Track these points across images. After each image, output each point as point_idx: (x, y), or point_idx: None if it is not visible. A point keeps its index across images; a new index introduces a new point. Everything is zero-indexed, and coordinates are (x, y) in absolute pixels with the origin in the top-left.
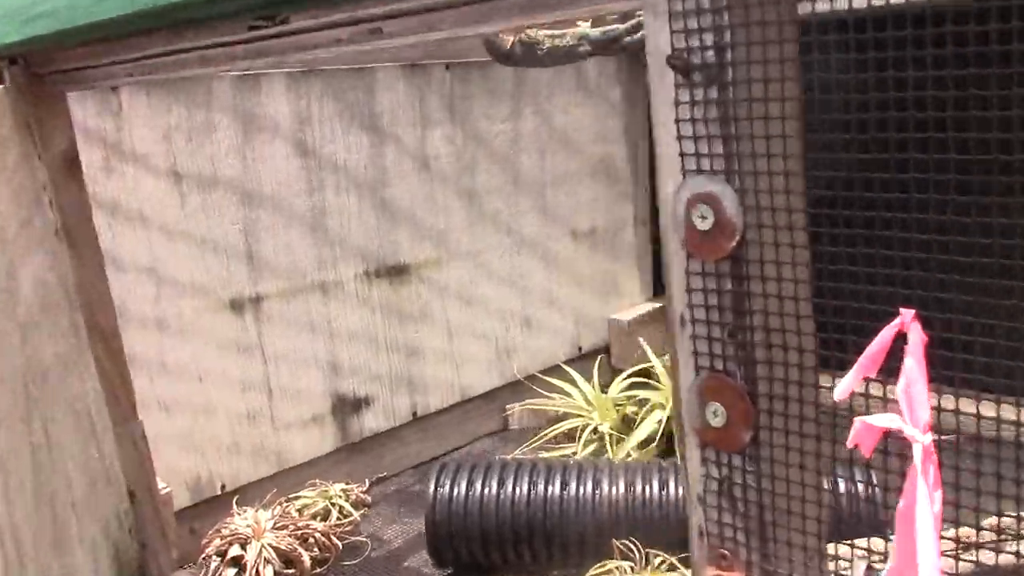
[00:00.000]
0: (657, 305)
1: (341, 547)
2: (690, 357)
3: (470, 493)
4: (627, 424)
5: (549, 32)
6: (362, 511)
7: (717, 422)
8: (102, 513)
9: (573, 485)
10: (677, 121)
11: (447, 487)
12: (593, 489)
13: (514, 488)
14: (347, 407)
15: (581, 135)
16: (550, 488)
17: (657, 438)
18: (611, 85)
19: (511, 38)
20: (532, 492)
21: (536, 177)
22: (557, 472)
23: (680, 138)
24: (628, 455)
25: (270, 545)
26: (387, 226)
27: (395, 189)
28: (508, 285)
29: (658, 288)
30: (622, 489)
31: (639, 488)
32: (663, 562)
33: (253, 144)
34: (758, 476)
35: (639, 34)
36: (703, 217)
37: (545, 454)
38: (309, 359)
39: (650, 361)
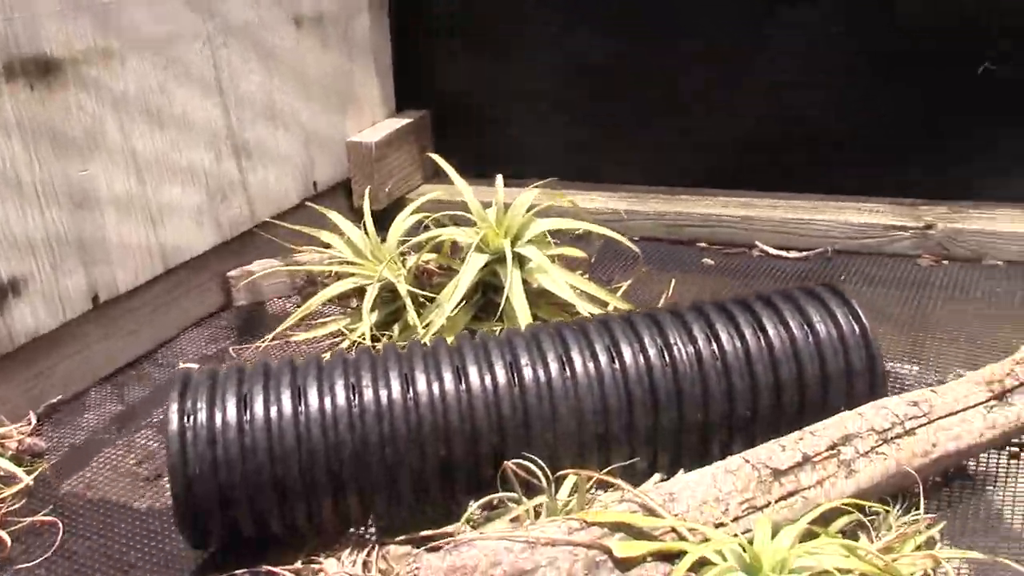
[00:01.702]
0: (406, 121)
1: (10, 542)
2: None
3: (244, 419)
4: (419, 281)
5: None
6: (35, 468)
7: None
8: None
9: (422, 380)
10: None
11: (203, 414)
12: (458, 382)
13: (323, 400)
14: None
15: None
16: (383, 392)
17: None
18: None
19: None
20: (354, 403)
21: None
22: (389, 364)
23: None
24: (447, 321)
25: None
26: None
27: None
28: (216, 93)
29: (403, 98)
30: (501, 377)
31: (530, 373)
32: (593, 482)
33: None
34: None
35: None
36: None
37: (307, 334)
38: None
39: (417, 194)
